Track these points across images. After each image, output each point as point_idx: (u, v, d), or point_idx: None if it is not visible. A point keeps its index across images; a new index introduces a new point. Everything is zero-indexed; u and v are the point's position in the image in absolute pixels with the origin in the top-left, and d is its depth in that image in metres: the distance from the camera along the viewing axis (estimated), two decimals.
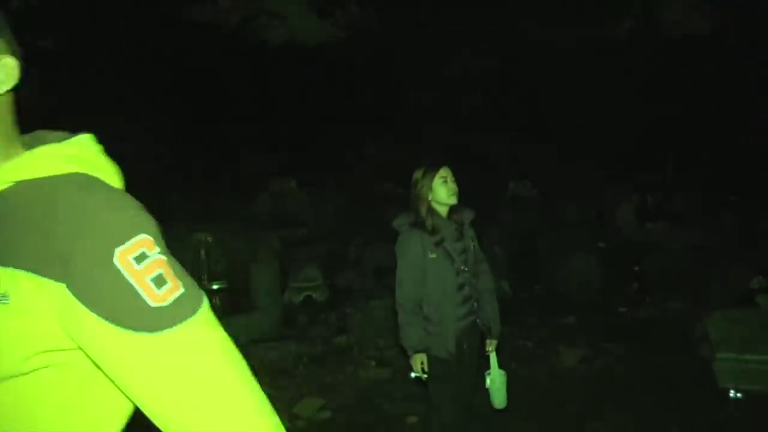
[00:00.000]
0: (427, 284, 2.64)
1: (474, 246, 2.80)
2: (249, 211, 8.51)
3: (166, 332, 0.75)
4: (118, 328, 0.74)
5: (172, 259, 0.81)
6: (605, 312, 5.89)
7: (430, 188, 2.69)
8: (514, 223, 7.85)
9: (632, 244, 7.71)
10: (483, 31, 11.63)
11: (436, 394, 2.70)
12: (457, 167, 2.81)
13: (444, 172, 2.70)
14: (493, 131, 10.93)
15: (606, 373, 4.53)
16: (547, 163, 9.80)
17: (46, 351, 0.77)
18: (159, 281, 0.78)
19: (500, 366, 2.86)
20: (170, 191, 9.52)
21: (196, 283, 0.82)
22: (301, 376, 4.66)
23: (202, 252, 6.12)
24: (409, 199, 2.77)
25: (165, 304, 0.76)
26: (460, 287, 2.68)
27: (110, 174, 0.91)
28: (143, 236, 0.80)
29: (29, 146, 0.84)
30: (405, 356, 2.75)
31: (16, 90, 0.84)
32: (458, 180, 2.74)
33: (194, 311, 0.78)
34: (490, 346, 2.84)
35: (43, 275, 0.74)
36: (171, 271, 0.80)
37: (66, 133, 0.89)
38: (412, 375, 2.72)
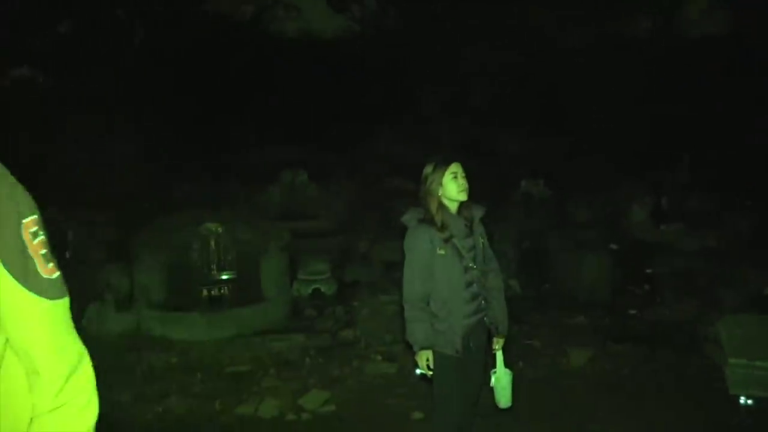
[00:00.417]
0: (434, 281, 2.62)
1: (483, 243, 2.77)
2: (259, 202, 8.53)
3: (55, 301, 1.04)
4: (28, 291, 0.99)
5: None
6: (615, 313, 5.83)
7: (440, 184, 2.66)
8: (525, 221, 7.80)
9: (644, 245, 7.62)
10: (499, 26, 11.54)
11: (441, 391, 2.68)
12: (469, 164, 2.78)
13: (455, 167, 2.67)
14: (505, 128, 10.86)
15: (614, 374, 4.49)
16: (560, 162, 9.73)
17: None
18: (46, 258, 1.02)
19: (507, 365, 2.83)
20: (181, 181, 9.57)
21: None
22: (308, 368, 4.66)
23: (212, 242, 6.12)
24: (419, 195, 2.74)
25: (52, 277, 1.03)
26: (469, 284, 2.65)
27: None
28: (36, 216, 1.01)
29: None
30: (411, 352, 2.73)
31: None
32: (469, 176, 2.71)
33: (66, 291, 1.06)
34: (497, 345, 2.81)
35: None
36: (50, 253, 1.02)
37: None
38: (418, 372, 2.71)
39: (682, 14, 12.75)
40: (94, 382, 1.13)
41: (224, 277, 6.02)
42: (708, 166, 9.44)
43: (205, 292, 5.81)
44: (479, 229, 2.77)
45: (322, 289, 6.40)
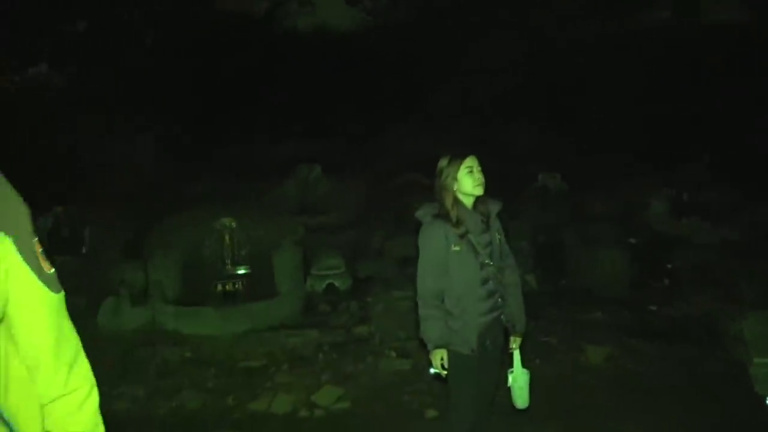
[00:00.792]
0: (449, 277, 2.56)
1: (500, 239, 2.70)
2: (273, 197, 8.52)
3: (58, 294, 1.15)
4: (42, 284, 1.11)
5: None
6: (633, 308, 5.71)
7: (456, 178, 2.60)
8: (540, 215, 7.69)
9: (663, 238, 7.47)
10: (514, 16, 11.39)
11: (455, 390, 2.62)
12: (483, 157, 2.71)
13: (470, 161, 2.61)
14: (520, 121, 10.72)
15: (633, 372, 4.39)
16: (575, 156, 9.58)
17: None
18: (45, 255, 1.15)
19: (524, 364, 2.76)
20: (195, 177, 9.60)
21: None
22: (321, 364, 4.64)
23: (226, 237, 6.13)
24: (433, 189, 2.68)
25: (51, 273, 1.15)
26: (484, 281, 2.59)
27: None
28: (30, 218, 1.13)
29: None
30: (426, 349, 2.68)
31: None
32: (484, 170, 2.64)
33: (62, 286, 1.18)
34: (514, 344, 2.75)
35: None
36: (45, 251, 1.15)
37: None
38: (432, 371, 2.65)
39: (700, 2, 12.48)
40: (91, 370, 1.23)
41: (238, 272, 6.02)
42: (728, 158, 9.24)
43: (219, 287, 5.82)
44: (496, 224, 2.70)
45: (336, 285, 6.37)
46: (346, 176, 9.12)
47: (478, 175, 2.61)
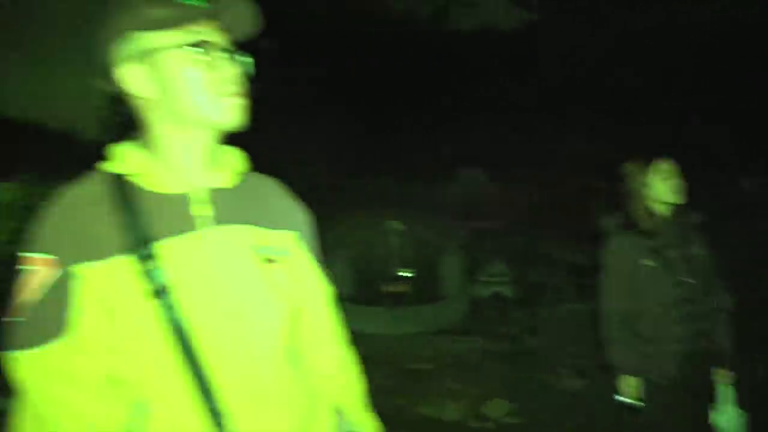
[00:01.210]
0: (640, 296, 2.30)
1: (701, 254, 2.36)
2: (439, 201, 8.58)
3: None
4: (323, 275, 1.22)
5: None
6: None
7: (647, 184, 2.33)
8: (749, 226, 6.71)
9: None
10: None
11: (648, 426, 2.33)
12: (676, 159, 2.39)
13: (665, 165, 2.32)
14: (715, 120, 9.46)
15: None
16: None
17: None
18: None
19: (736, 403, 2.37)
20: (364, 177, 10.02)
21: None
22: (487, 373, 4.53)
23: (394, 239, 6.30)
24: (614, 195, 2.43)
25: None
26: (682, 302, 2.28)
27: None
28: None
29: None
30: (604, 370, 2.43)
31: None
32: (680, 175, 2.33)
33: None
34: (723, 377, 2.38)
35: (292, 229, 1.14)
36: None
37: None
38: (621, 399, 2.37)
39: None
40: None
41: (405, 274, 6.15)
42: None
43: (386, 288, 5.99)
44: (696, 237, 2.37)
45: (503, 292, 6.20)
46: (514, 180, 8.86)
47: (675, 181, 2.31)
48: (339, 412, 1.23)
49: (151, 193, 0.97)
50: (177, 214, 0.97)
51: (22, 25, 4.91)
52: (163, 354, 0.92)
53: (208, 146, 1.01)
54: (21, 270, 0.93)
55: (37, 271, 0.91)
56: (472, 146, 10.38)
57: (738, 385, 2.41)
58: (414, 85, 12.07)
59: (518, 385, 4.30)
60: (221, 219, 1.00)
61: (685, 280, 2.28)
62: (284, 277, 1.06)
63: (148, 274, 0.91)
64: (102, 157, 1.02)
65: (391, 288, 6.01)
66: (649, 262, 2.29)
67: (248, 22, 0.99)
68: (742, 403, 2.40)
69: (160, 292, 0.91)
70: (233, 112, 0.97)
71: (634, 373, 2.30)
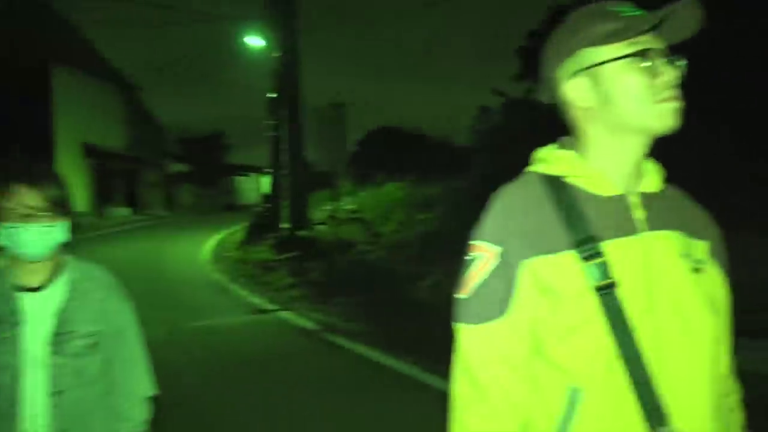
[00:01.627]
0: None
1: None
2: None
3: None
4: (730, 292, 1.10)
5: None
6: None
7: None
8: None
9: None
10: None
11: None
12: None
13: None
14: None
15: None
16: None
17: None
18: None
19: None
20: (736, 194, 7.58)
21: None
22: None
23: None
24: None
25: None
26: None
27: None
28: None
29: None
30: None
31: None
32: None
33: None
34: None
35: (707, 240, 1.09)
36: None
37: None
38: None
39: None
40: None
41: None
42: None
43: None
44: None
45: None
46: None
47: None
48: None
49: (588, 194, 1.02)
50: (618, 216, 1.01)
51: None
52: (603, 346, 0.96)
53: (640, 152, 1.03)
54: (470, 255, 1.04)
55: (484, 258, 1.02)
56: None
57: None
58: None
59: None
60: (654, 224, 1.02)
61: None
62: (710, 288, 1.04)
63: (594, 270, 0.96)
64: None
65: None
66: None
67: (691, 27, 0.98)
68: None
69: (605, 288, 0.96)
70: (671, 117, 0.97)
71: None
